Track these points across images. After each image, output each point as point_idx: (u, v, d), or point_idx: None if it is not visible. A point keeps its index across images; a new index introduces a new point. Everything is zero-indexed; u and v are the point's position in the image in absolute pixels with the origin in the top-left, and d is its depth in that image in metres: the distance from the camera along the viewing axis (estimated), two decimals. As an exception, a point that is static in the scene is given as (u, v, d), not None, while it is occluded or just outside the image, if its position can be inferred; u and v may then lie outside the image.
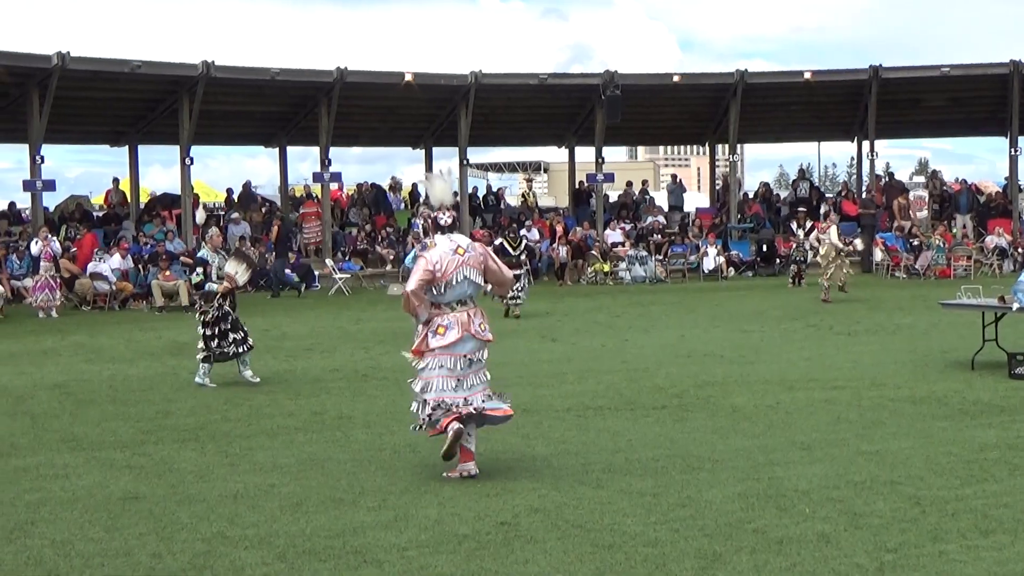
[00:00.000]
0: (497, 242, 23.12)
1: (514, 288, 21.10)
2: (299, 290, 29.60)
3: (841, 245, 25.09)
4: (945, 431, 10.34)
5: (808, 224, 31.19)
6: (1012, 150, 36.48)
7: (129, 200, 36.25)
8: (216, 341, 13.94)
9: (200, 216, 16.31)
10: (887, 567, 6.45)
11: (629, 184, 42.27)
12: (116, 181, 37.01)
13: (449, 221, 9.07)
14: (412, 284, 8.75)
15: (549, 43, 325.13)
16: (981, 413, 11.22)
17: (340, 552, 6.87)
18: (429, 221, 9.24)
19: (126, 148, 36.29)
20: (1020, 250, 33.46)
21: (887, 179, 41.08)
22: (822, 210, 29.36)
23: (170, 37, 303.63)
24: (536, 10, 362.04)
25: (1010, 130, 36.38)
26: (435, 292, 8.78)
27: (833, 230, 25.33)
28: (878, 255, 33.24)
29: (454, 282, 8.77)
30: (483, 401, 8.87)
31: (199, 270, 14.42)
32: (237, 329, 14.08)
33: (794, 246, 30.07)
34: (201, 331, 14.03)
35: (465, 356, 8.81)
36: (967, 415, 11.14)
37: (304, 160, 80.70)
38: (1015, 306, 14.01)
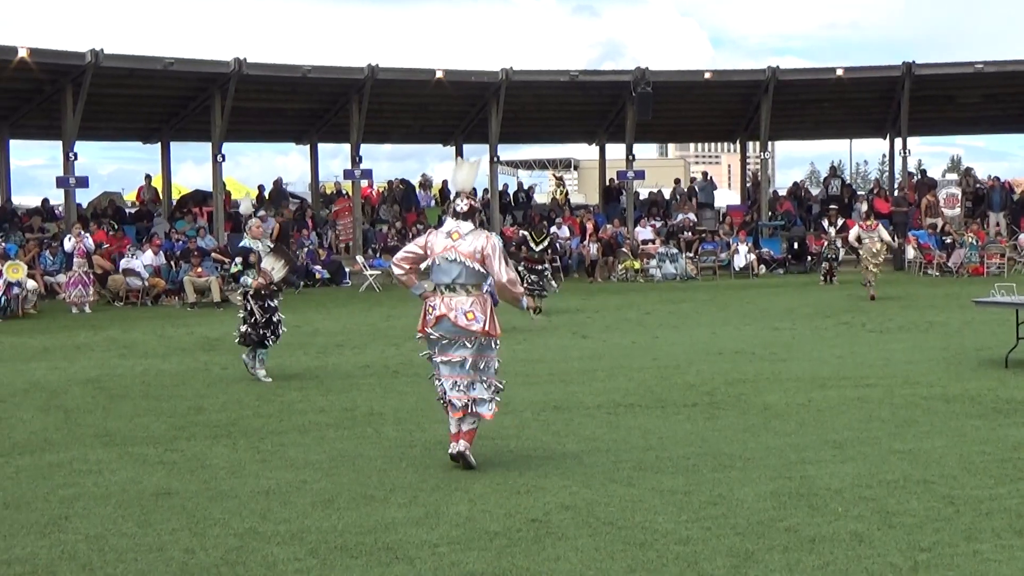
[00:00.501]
0: (521, 234, 22.95)
1: (535, 283, 20.99)
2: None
3: (894, 243, 25.06)
4: (979, 429, 10.26)
5: (840, 221, 31.03)
6: (1048, 147, 36.20)
7: (161, 197, 36.46)
8: (253, 328, 14.03)
9: (246, 207, 16.33)
10: (921, 566, 6.41)
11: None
12: (148, 178, 37.22)
13: (465, 208, 9.16)
14: (398, 254, 9.22)
15: (581, 40, 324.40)
16: (1015, 411, 11.14)
17: (371, 548, 6.88)
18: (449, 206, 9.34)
19: (158, 145, 36.51)
20: (1054, 248, 33.22)
21: (919, 176, 40.85)
22: (863, 208, 28.92)
23: (203, 34, 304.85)
24: (568, 7, 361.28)
25: (1046, 127, 36.14)
26: (425, 270, 9.12)
27: (883, 228, 25.27)
28: (911, 253, 33.08)
29: (436, 263, 8.99)
30: (451, 390, 9.02)
31: (238, 260, 14.42)
32: (269, 324, 14.09)
33: (825, 243, 29.92)
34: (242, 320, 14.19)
35: (439, 337, 9.00)
36: (1001, 413, 11.06)
37: (335, 157, 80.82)
38: (1049, 304, 13.92)
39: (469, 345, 9.03)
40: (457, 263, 8.97)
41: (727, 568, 6.43)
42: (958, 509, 7.52)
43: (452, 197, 9.36)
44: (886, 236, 25.07)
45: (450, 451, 9.02)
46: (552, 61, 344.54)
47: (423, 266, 9.25)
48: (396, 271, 9.24)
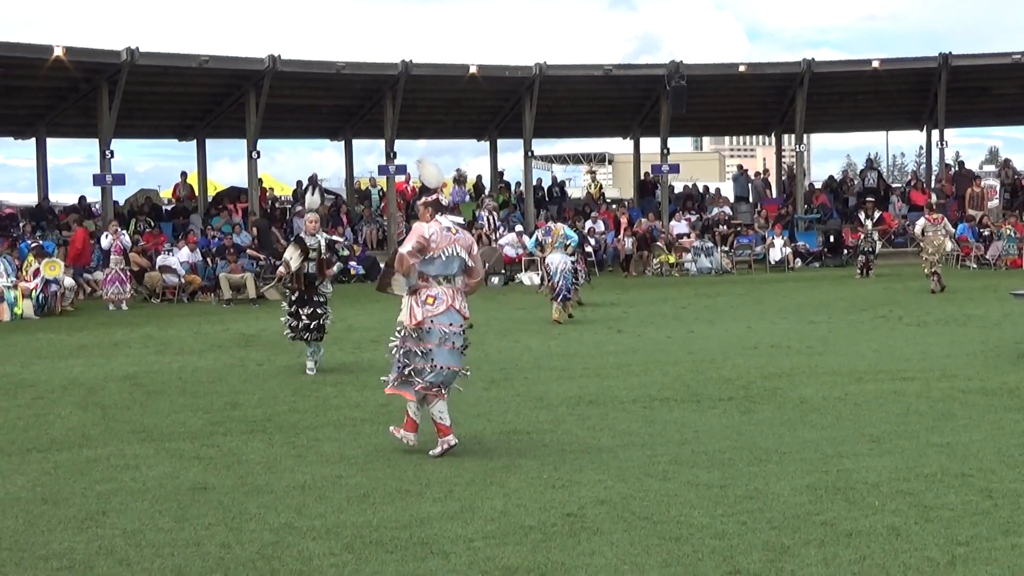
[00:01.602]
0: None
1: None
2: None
3: (954, 231, 24.94)
4: (1017, 423, 10.18)
5: (876, 214, 30.86)
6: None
7: (197, 194, 36.64)
8: (296, 321, 14.32)
9: (312, 201, 16.40)
10: (959, 560, 6.36)
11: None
12: (184, 175, 37.40)
13: (448, 202, 9.72)
14: (407, 247, 9.29)
15: (617, 33, 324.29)
16: (1054, 405, 11.05)
17: (407, 543, 6.89)
18: (425, 202, 9.76)
19: (194, 142, 36.68)
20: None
21: (957, 168, 40.53)
22: (933, 199, 28.23)
23: (237, 32, 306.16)
24: (604, 0, 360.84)
25: (1083, 117, 35.79)
26: (425, 262, 9.31)
27: (948, 222, 25.10)
28: (948, 245, 32.82)
29: (443, 256, 9.33)
30: (454, 377, 9.52)
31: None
32: (315, 317, 14.30)
33: (862, 236, 29.75)
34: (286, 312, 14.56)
35: (450, 326, 9.35)
36: (1040, 407, 10.98)
37: (370, 153, 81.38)
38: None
39: (462, 332, 9.49)
40: (458, 256, 9.43)
41: (763, 562, 6.40)
42: (996, 503, 7.46)
43: (431, 193, 9.86)
44: (952, 230, 24.91)
45: (453, 443, 9.26)
46: (588, 56, 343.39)
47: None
48: (411, 260, 9.31)
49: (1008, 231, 31.64)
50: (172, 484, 8.49)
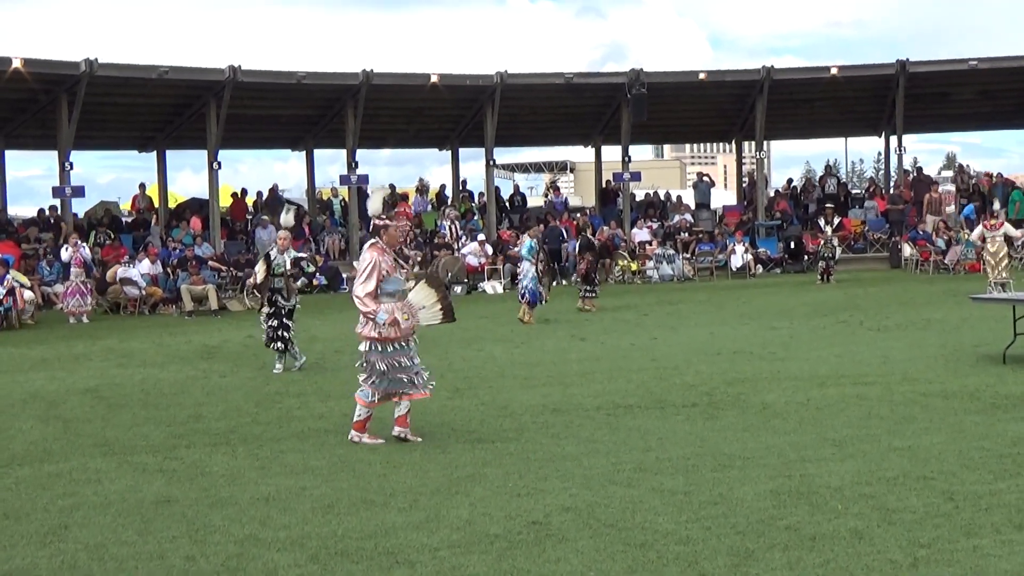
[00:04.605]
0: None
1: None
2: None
3: (1018, 234, 24.88)
4: (977, 425, 10.27)
5: (836, 220, 31.09)
6: (1042, 143, 36.22)
7: (156, 205, 36.44)
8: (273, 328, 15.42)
9: (287, 220, 16.71)
10: (921, 562, 6.41)
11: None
12: (143, 186, 37.21)
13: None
14: (371, 287, 10.15)
15: (585, 41, 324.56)
16: (1013, 407, 11.15)
17: (372, 553, 6.88)
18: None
19: (154, 153, 36.50)
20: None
21: (915, 174, 40.88)
22: (995, 206, 27.68)
23: (197, 42, 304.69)
24: (570, 9, 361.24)
25: (1040, 123, 36.14)
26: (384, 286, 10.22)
27: (1009, 225, 24.98)
28: (907, 250, 33.08)
29: (394, 277, 10.32)
30: (420, 380, 10.42)
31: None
32: (280, 328, 15.37)
33: (822, 242, 29.95)
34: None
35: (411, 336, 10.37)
36: (999, 409, 11.07)
37: (334, 163, 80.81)
38: (1047, 299, 13.93)
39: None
40: (400, 276, 10.46)
41: (728, 567, 6.43)
42: (957, 505, 7.53)
43: (378, 219, 10.69)
44: (1013, 232, 24.62)
45: (401, 435, 10.23)
46: (556, 64, 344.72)
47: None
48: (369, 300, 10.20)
49: (966, 235, 31.86)
50: (135, 497, 8.44)
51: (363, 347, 10.33)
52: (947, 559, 6.45)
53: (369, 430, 10.33)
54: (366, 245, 10.59)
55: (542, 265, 22.20)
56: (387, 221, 10.58)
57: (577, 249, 25.01)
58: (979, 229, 25.17)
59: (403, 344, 10.24)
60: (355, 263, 10.69)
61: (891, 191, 37.86)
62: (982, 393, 11.93)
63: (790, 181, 42.40)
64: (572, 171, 71.57)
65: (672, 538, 7.00)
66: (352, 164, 34.45)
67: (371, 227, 10.89)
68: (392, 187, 39.66)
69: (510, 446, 10.00)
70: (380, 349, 10.19)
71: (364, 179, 35.23)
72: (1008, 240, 24.93)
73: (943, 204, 35.68)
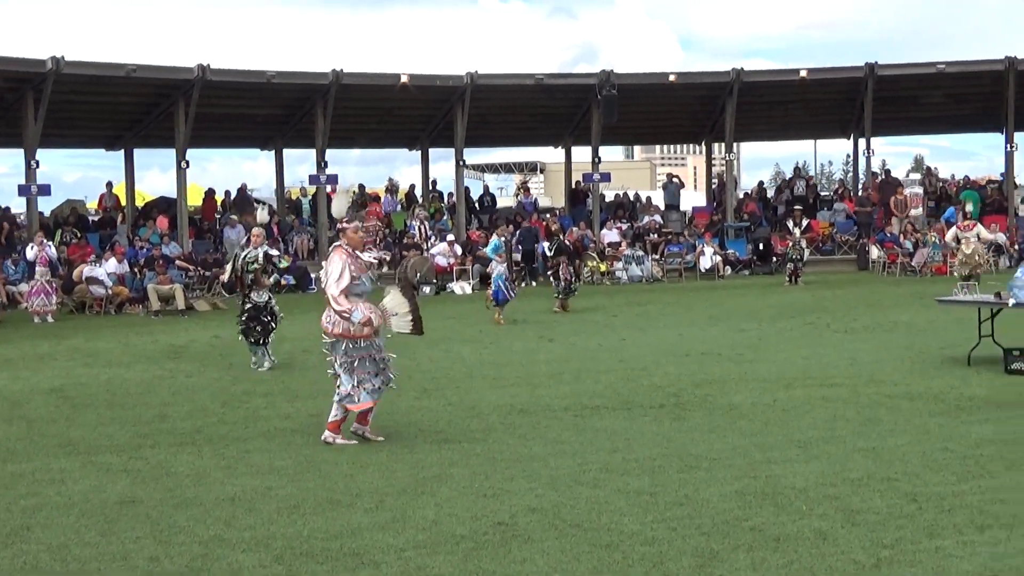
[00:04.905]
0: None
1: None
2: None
3: (992, 237, 24.93)
4: (941, 427, 10.34)
5: (804, 222, 31.19)
6: (1008, 146, 36.53)
7: (124, 204, 36.24)
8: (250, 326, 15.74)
9: (262, 216, 17.03)
10: (884, 563, 6.45)
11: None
12: (110, 185, 36.95)
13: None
14: (344, 284, 10.17)
15: (557, 42, 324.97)
16: (977, 409, 11.23)
17: (338, 554, 6.86)
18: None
19: (122, 152, 36.28)
20: (1016, 246, 33.42)
21: (883, 176, 41.09)
22: (967, 208, 27.67)
23: (165, 41, 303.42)
24: (542, 9, 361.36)
25: (1006, 126, 36.41)
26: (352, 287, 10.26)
27: (982, 227, 25.05)
28: (874, 252, 33.25)
29: (361, 279, 10.36)
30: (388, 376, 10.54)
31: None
32: (261, 324, 15.72)
33: (790, 244, 30.07)
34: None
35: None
36: (963, 411, 11.15)
37: (303, 163, 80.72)
38: (1011, 302, 14.04)
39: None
40: (367, 278, 10.50)
41: (693, 568, 6.45)
42: (920, 506, 7.57)
43: (340, 222, 10.76)
44: (986, 234, 24.67)
45: (364, 433, 10.33)
46: (527, 65, 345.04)
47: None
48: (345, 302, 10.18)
49: (933, 238, 32.05)
50: (99, 498, 8.39)
51: (333, 345, 10.35)
52: (910, 560, 6.49)
53: (343, 432, 10.30)
54: (331, 248, 10.67)
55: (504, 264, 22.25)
56: (345, 224, 10.57)
57: (552, 253, 24.95)
58: (953, 230, 25.34)
59: (372, 341, 10.30)
60: (323, 263, 10.58)
61: (859, 193, 38.06)
62: (947, 395, 12.01)
63: (761, 184, 42.58)
64: (542, 172, 71.66)
65: (638, 539, 7.01)
66: (322, 164, 34.35)
67: (336, 229, 10.96)
68: (362, 187, 39.54)
69: (477, 447, 10.00)
70: (354, 346, 10.20)
71: (334, 179, 35.11)
72: (986, 243, 25.05)
73: (908, 206, 35.86)
